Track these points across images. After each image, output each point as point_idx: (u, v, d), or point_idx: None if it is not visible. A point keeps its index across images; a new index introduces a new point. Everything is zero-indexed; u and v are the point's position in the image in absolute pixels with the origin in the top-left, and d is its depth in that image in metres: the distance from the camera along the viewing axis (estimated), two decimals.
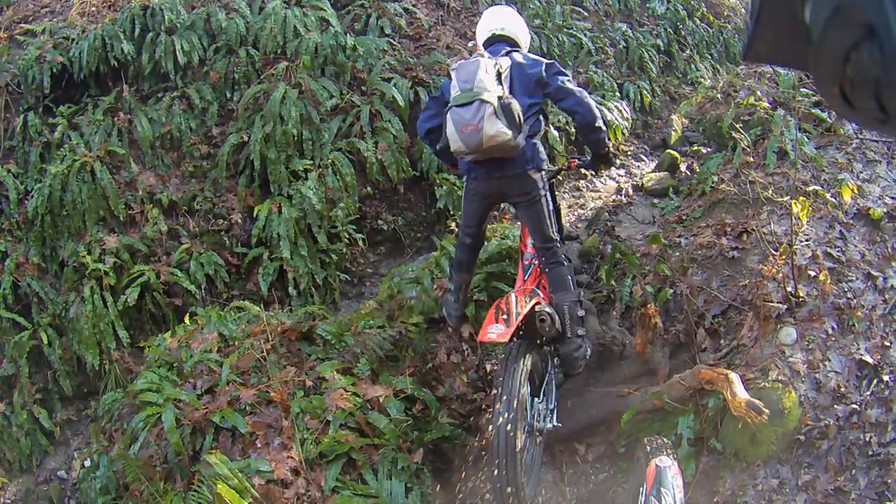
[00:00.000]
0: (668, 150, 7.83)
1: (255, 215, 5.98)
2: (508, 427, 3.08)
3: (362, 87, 6.53)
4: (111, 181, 6.25)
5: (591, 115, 3.62)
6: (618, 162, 7.62)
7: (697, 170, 7.35)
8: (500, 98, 3.32)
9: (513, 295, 3.73)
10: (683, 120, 8.36)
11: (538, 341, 3.71)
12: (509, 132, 3.30)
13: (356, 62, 6.54)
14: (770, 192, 5.11)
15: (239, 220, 6.13)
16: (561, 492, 4.14)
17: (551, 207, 3.83)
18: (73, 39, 6.95)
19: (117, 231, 6.29)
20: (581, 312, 3.83)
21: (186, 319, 5.28)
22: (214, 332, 4.88)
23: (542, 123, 3.79)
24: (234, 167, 6.35)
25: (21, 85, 7.00)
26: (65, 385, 6.24)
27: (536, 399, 3.59)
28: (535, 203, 3.74)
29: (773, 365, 3.83)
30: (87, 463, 5.16)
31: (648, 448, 3.05)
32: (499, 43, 3.83)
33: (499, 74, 3.42)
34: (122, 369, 6.04)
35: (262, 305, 6.03)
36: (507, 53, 3.69)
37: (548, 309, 3.58)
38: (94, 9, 7.24)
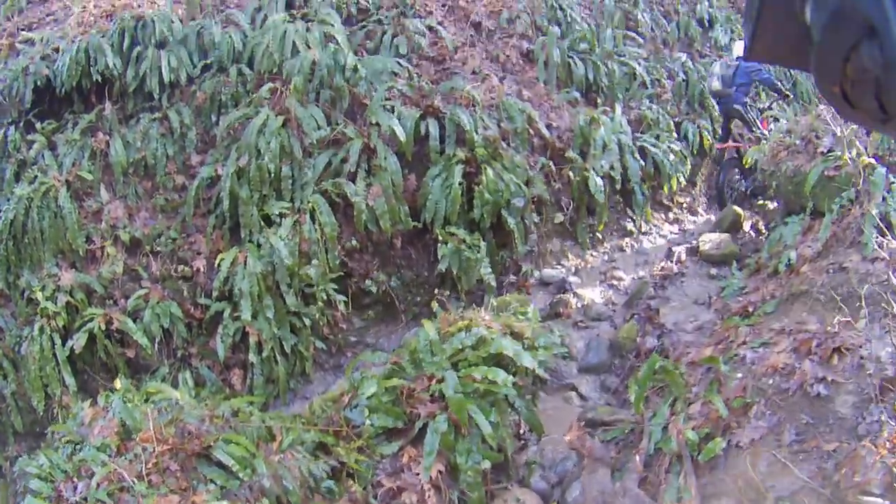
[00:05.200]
0: (731, 206, 6.20)
1: (216, 265, 4.83)
2: None
3: (364, 117, 5.27)
4: (73, 210, 5.14)
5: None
6: (671, 216, 6.05)
7: (764, 232, 5.68)
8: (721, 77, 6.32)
9: None
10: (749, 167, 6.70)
11: None
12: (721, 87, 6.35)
13: (357, 86, 5.25)
14: (866, 287, 3.50)
15: (203, 268, 4.98)
16: None
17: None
18: (62, 51, 6.01)
19: (78, 266, 5.26)
20: None
21: (100, 398, 4.13)
22: (115, 420, 3.59)
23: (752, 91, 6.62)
24: (207, 204, 5.21)
25: (6, 98, 6.15)
26: (16, 422, 5.16)
27: None
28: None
29: None
30: None
31: None
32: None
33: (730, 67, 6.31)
34: (68, 416, 5.10)
35: (220, 370, 4.90)
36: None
37: None
38: (91, 18, 6.27)
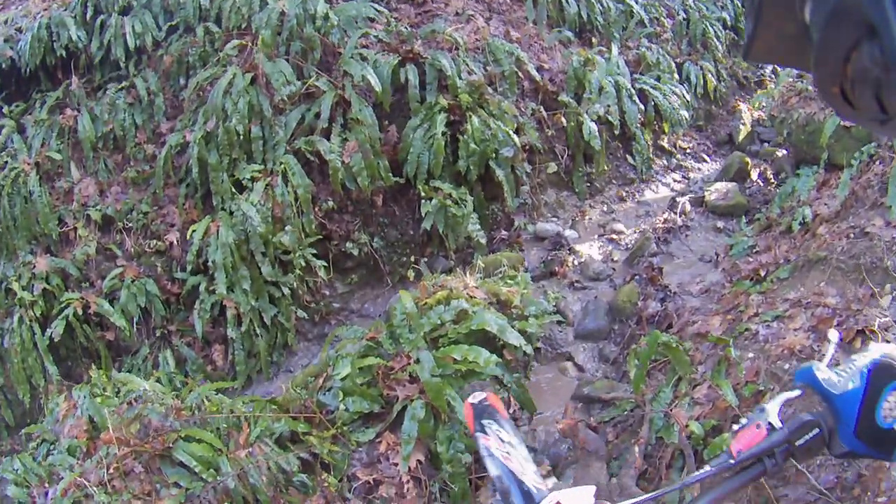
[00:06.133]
0: (737, 152, 5.62)
1: (188, 236, 4.51)
2: None
3: (338, 67, 4.85)
4: (44, 193, 4.84)
5: None
6: (674, 163, 5.56)
7: (773, 181, 5.15)
8: None
9: None
10: (756, 112, 6.13)
11: None
12: None
13: (329, 35, 4.85)
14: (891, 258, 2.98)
15: (177, 241, 4.67)
16: None
17: None
18: (24, 30, 5.69)
19: (52, 250, 5.00)
20: None
21: (74, 391, 3.84)
22: (84, 418, 3.24)
23: None
24: (178, 173, 4.87)
25: None
26: (6, 415, 4.97)
27: None
28: None
29: None
30: None
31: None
32: None
33: None
34: (47, 411, 4.89)
35: (201, 346, 4.60)
36: None
37: None
38: None
